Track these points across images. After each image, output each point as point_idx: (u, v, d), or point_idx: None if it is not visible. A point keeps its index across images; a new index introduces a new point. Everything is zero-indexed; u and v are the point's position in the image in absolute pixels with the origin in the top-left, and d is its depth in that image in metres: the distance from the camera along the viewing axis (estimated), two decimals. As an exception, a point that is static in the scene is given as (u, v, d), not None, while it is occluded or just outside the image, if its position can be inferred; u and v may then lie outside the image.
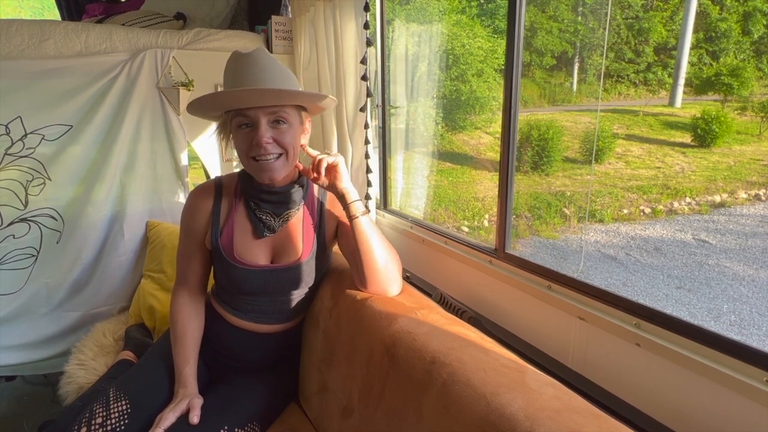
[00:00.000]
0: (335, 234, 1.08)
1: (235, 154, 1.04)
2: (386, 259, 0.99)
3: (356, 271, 1.01)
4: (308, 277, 1.05)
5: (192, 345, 1.02)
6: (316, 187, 1.09)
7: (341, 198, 0.97)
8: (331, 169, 0.96)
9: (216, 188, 1.05)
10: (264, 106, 0.91)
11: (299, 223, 1.04)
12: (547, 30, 9.11)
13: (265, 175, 0.93)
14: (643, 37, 9.28)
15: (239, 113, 0.91)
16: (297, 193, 1.02)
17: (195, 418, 0.90)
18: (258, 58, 0.93)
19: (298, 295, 1.07)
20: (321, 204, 1.08)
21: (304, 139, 1.01)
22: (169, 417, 0.89)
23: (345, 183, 0.97)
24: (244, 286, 1.02)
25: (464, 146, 7.76)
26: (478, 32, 8.05)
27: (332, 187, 0.98)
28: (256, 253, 1.01)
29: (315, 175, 0.96)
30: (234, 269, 1.00)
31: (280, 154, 0.93)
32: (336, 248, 1.15)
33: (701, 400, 0.77)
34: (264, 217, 1.00)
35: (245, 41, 1.88)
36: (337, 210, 1.05)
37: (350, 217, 0.97)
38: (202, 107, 0.95)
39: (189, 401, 0.92)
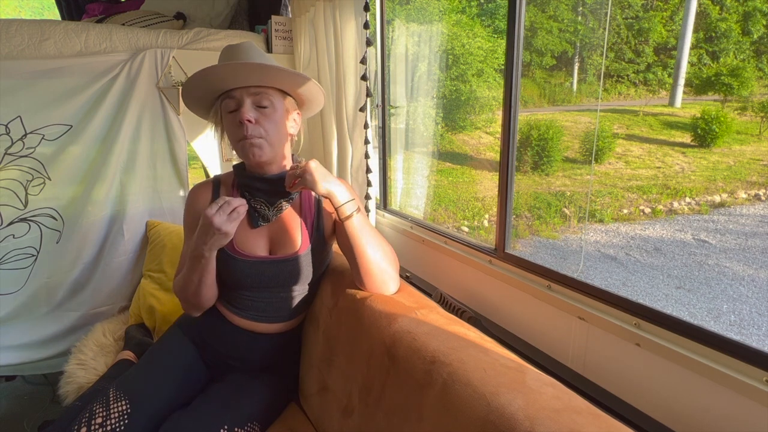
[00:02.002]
0: (334, 228, 1.08)
1: (235, 153, 1.05)
2: (380, 259, 0.98)
3: (353, 270, 1.02)
4: (307, 271, 1.05)
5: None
6: None
7: (330, 200, 0.95)
8: (303, 175, 0.91)
9: (213, 184, 1.09)
10: (248, 85, 0.94)
11: (296, 215, 1.05)
12: (547, 30, 9.11)
13: (250, 152, 0.94)
14: (643, 37, 9.28)
15: (227, 95, 0.95)
16: None
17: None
18: (245, 46, 0.99)
19: (298, 292, 1.07)
20: (319, 198, 1.08)
21: (293, 130, 1.03)
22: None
23: (325, 185, 0.92)
24: (244, 278, 1.02)
25: (464, 146, 7.76)
26: (478, 32, 8.06)
27: (315, 191, 0.93)
28: (255, 244, 1.02)
29: (291, 184, 0.93)
30: (234, 261, 1.00)
31: (262, 138, 0.94)
32: (336, 247, 1.15)
33: (701, 400, 0.77)
34: (258, 206, 1.01)
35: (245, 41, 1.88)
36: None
37: (341, 219, 0.96)
38: (194, 90, 0.97)
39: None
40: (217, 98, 0.99)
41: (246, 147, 0.94)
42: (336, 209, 0.95)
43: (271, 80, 0.97)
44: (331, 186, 0.93)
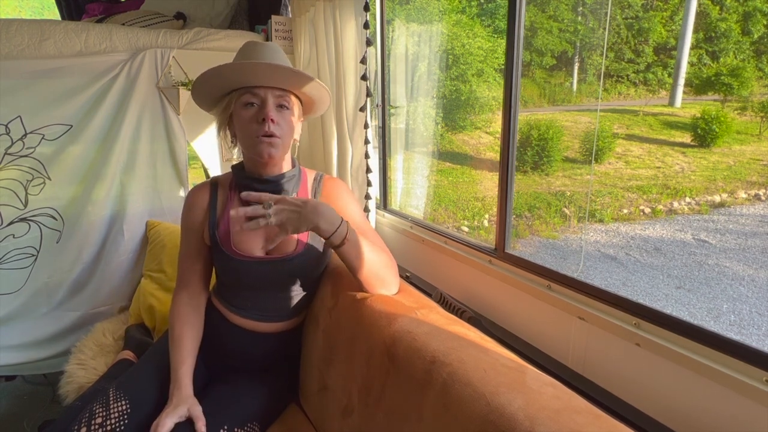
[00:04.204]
0: None
1: (235, 153, 1.05)
2: (378, 268, 0.97)
3: (353, 276, 1.01)
4: (304, 270, 1.05)
5: (189, 347, 1.01)
6: (309, 180, 1.09)
7: (317, 233, 0.90)
8: (282, 224, 0.85)
9: (211, 185, 1.08)
10: (275, 87, 0.95)
11: None
12: (547, 30, 9.12)
13: (265, 151, 0.94)
14: (643, 37, 9.29)
15: (248, 91, 0.95)
16: (288, 183, 1.03)
17: (203, 428, 0.88)
18: (274, 47, 1.00)
19: (296, 292, 1.07)
20: (315, 197, 1.08)
21: (297, 135, 1.04)
22: (167, 423, 0.87)
23: (309, 221, 0.86)
24: (242, 278, 1.02)
25: (464, 146, 7.77)
26: (478, 32, 8.06)
27: (300, 232, 0.88)
28: (252, 244, 1.02)
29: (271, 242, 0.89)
30: (232, 261, 1.01)
31: (279, 137, 0.95)
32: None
33: (701, 400, 0.77)
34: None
35: (245, 41, 1.88)
36: (332, 204, 1.04)
37: (332, 248, 0.93)
38: (218, 78, 0.95)
39: (189, 408, 0.90)
40: (228, 93, 0.98)
41: (262, 144, 0.94)
42: (326, 241, 0.91)
43: (299, 87, 0.98)
44: (316, 220, 0.87)
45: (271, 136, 0.93)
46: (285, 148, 0.99)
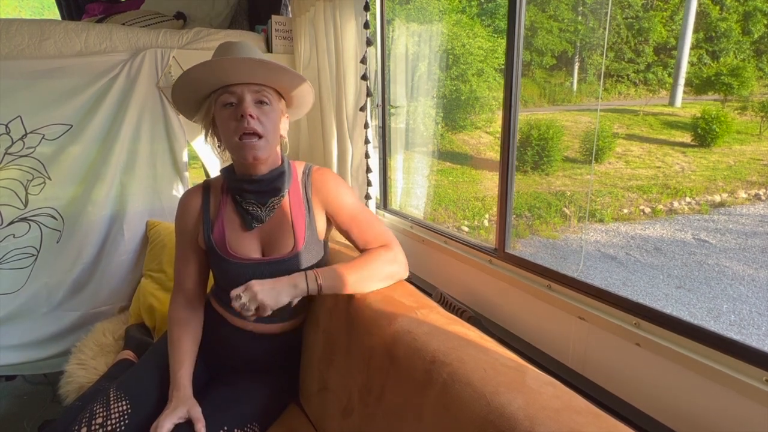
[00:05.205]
0: (327, 225, 1.07)
1: (227, 153, 1.03)
2: (370, 277, 0.98)
3: None
4: (303, 270, 1.05)
5: (187, 349, 1.01)
6: (299, 174, 1.07)
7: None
8: (258, 310, 0.89)
9: (203, 188, 1.07)
10: (250, 82, 0.93)
11: (287, 215, 1.03)
12: (547, 29, 9.13)
13: (249, 154, 0.92)
14: (643, 36, 9.30)
15: (225, 90, 0.93)
16: (279, 180, 1.01)
17: (203, 429, 0.89)
18: (246, 44, 0.99)
19: None
20: (307, 193, 1.05)
21: (284, 131, 1.02)
22: (166, 424, 0.87)
23: (277, 297, 0.90)
24: (238, 280, 1.00)
25: (464, 146, 7.77)
26: (478, 32, 8.07)
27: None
28: (247, 246, 1.01)
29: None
30: (228, 264, 1.00)
31: (261, 136, 0.93)
32: (334, 247, 1.15)
33: (701, 400, 0.77)
34: (250, 209, 1.00)
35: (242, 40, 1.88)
36: (324, 197, 1.04)
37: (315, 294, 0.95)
38: (190, 83, 0.94)
39: (189, 410, 0.91)
40: (208, 96, 0.97)
41: (245, 148, 0.92)
42: (305, 297, 0.95)
43: (274, 80, 0.96)
44: (288, 292, 0.92)
45: (252, 133, 0.91)
46: (270, 146, 0.96)
